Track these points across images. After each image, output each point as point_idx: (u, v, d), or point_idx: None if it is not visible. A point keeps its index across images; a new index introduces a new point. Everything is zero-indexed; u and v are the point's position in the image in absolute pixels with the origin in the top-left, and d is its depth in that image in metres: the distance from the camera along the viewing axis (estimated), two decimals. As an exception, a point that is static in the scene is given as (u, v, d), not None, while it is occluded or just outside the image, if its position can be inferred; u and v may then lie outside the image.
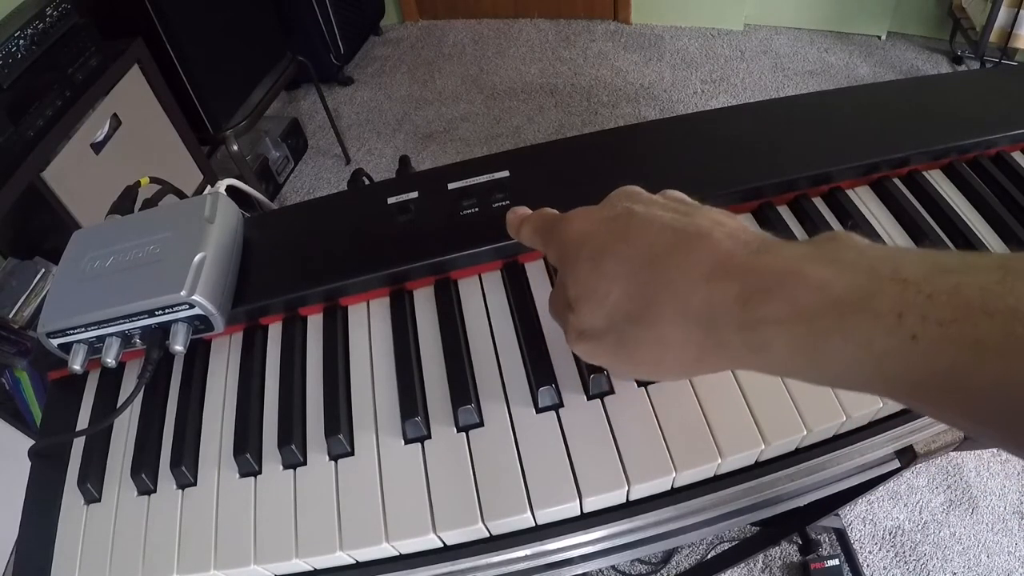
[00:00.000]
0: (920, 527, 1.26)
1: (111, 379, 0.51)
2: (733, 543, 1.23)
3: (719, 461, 0.40)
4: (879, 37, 2.38)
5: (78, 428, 0.49)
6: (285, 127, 2.13)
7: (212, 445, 0.46)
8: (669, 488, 0.41)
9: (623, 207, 0.34)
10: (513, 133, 2.21)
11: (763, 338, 0.26)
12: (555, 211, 0.38)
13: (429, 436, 0.43)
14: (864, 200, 0.54)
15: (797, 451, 0.43)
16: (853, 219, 0.52)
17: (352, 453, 0.43)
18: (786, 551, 1.24)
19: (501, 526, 0.40)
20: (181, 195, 0.62)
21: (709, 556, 1.24)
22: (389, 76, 2.54)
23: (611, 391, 0.43)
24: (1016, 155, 0.57)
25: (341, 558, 0.40)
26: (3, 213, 1.17)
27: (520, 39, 2.63)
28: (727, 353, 0.28)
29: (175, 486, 0.44)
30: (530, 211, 0.40)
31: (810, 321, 0.24)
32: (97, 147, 1.38)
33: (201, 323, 0.47)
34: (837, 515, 1.23)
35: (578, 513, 0.41)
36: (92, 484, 0.45)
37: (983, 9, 1.98)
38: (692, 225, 0.31)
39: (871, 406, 0.41)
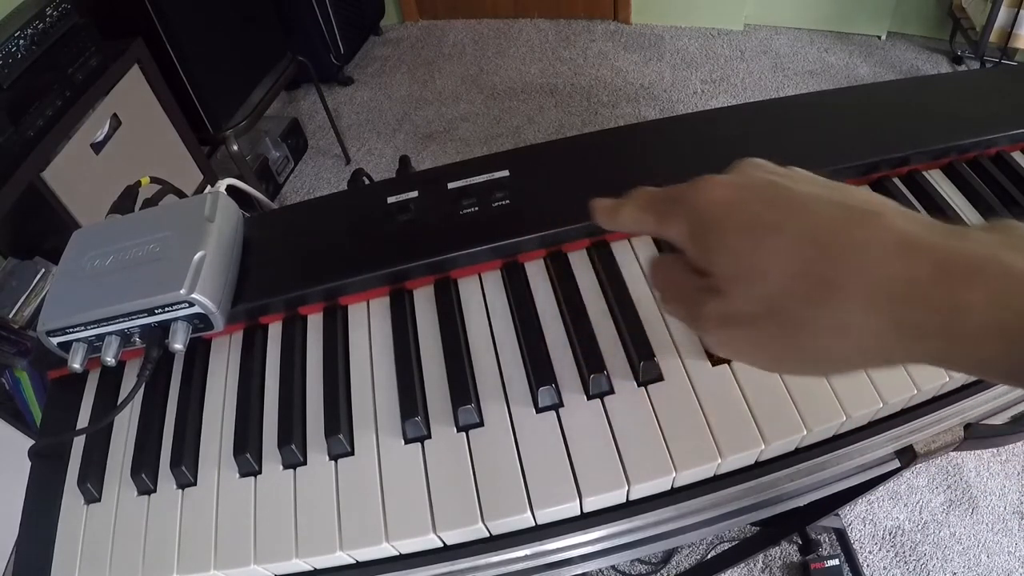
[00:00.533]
0: (920, 527, 1.26)
1: (111, 378, 0.51)
2: (733, 543, 1.23)
3: (719, 461, 0.40)
4: (879, 37, 2.38)
5: (78, 428, 0.49)
6: (285, 127, 2.13)
7: (212, 445, 0.46)
8: (669, 488, 0.41)
9: (763, 177, 0.30)
10: (513, 133, 2.21)
11: (964, 326, 0.24)
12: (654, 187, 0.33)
13: (429, 436, 0.43)
14: (864, 200, 0.54)
15: (797, 451, 0.43)
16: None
17: (352, 453, 0.43)
18: (786, 551, 1.24)
19: (501, 526, 0.40)
20: (181, 195, 0.62)
21: (709, 556, 1.24)
22: (389, 76, 2.53)
23: (611, 391, 0.43)
24: (1016, 155, 0.57)
25: (341, 558, 0.40)
26: (3, 213, 1.17)
27: (520, 39, 2.63)
28: (917, 343, 0.25)
29: (175, 486, 0.44)
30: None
31: (1017, 311, 0.23)
32: (97, 147, 1.38)
33: (201, 322, 0.47)
34: (837, 515, 1.23)
35: (578, 513, 0.41)
36: (92, 484, 0.45)
37: (983, 9, 1.98)
38: (856, 200, 0.28)
39: (871, 406, 0.41)
